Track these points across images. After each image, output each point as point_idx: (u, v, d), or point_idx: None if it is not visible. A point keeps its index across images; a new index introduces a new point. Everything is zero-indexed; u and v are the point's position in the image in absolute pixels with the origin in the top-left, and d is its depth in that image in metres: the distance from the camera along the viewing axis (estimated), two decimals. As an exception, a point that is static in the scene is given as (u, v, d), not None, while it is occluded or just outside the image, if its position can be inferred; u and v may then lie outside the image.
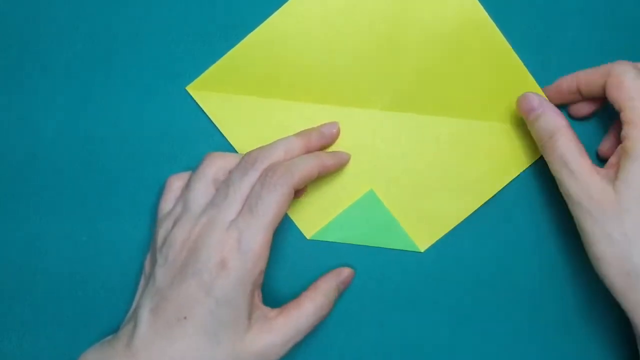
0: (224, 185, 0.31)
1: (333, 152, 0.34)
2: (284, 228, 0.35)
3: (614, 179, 0.29)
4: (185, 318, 0.29)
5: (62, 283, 0.35)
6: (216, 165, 0.32)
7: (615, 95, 0.30)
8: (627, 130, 0.29)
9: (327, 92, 0.35)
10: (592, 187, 0.29)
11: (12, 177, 0.35)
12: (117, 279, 0.35)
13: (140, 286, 0.32)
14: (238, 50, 0.34)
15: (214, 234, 0.29)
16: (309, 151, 0.33)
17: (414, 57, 0.35)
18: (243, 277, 0.29)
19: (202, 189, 0.31)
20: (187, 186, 0.32)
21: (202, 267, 0.29)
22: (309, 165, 0.31)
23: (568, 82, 0.34)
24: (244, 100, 0.35)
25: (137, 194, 0.35)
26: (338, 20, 0.34)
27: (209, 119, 0.35)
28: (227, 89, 0.35)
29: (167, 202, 0.33)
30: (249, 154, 0.32)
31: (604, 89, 0.32)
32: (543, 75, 0.35)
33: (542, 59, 0.35)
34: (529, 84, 0.35)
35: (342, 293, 0.34)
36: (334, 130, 0.35)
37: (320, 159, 0.32)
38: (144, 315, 0.29)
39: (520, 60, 0.35)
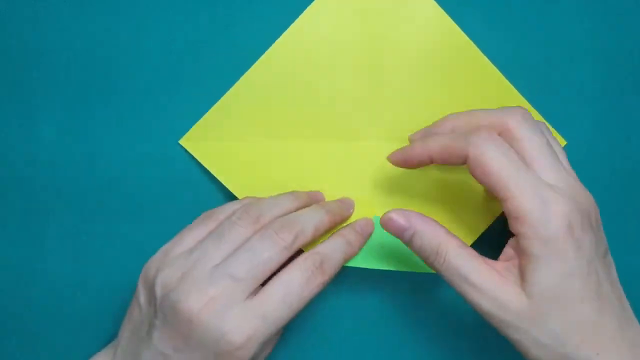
0: (244, 251, 0.28)
1: (358, 226, 0.32)
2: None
3: (518, 278, 0.26)
4: None
5: (62, 283, 0.35)
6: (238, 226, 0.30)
7: (489, 183, 0.26)
8: (518, 227, 0.26)
9: (320, 129, 0.35)
10: (503, 297, 0.26)
11: (13, 177, 0.35)
12: (117, 279, 0.35)
13: (128, 325, 0.30)
14: (227, 98, 0.34)
15: (225, 317, 0.27)
16: (332, 227, 0.32)
17: (402, 87, 0.34)
18: (257, 353, 0.28)
19: (220, 250, 0.29)
20: (208, 239, 0.29)
21: (206, 347, 0.27)
22: (345, 259, 0.31)
23: (418, 155, 0.30)
24: (238, 146, 0.35)
25: (137, 194, 0.35)
26: (323, 60, 0.34)
27: (204, 168, 0.35)
28: (220, 138, 0.35)
29: (179, 245, 0.30)
30: (281, 224, 0.29)
31: (464, 162, 0.27)
32: (537, 98, 0.35)
33: (533, 82, 0.35)
34: (521, 104, 0.34)
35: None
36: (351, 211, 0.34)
37: (351, 248, 0.31)
38: None
39: (509, 83, 0.34)
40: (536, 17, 0.35)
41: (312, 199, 0.33)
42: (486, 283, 0.26)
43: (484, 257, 0.27)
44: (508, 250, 0.28)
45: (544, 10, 0.35)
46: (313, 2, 0.34)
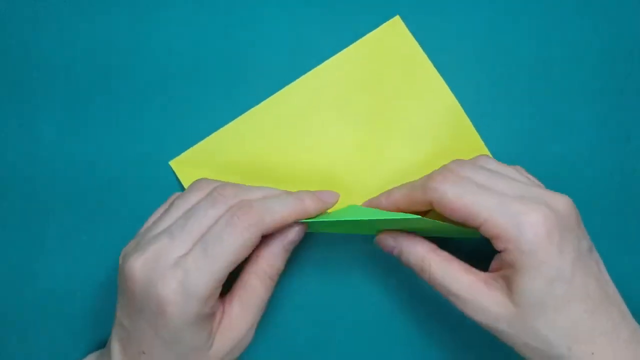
0: (187, 214, 0.28)
1: (318, 192, 0.31)
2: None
3: (505, 288, 0.27)
4: (144, 353, 0.28)
5: (62, 283, 0.35)
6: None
7: (459, 219, 0.27)
8: (500, 245, 0.27)
9: (308, 182, 0.35)
10: (490, 306, 0.27)
11: (13, 177, 0.35)
12: (117, 280, 0.35)
13: (118, 300, 0.30)
14: (224, 132, 0.35)
15: (156, 270, 0.27)
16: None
17: (393, 153, 0.35)
18: (188, 319, 0.27)
19: (170, 218, 0.29)
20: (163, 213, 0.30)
21: (145, 307, 0.27)
22: (286, 210, 0.28)
23: (385, 209, 0.31)
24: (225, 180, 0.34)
25: (137, 194, 0.35)
26: (324, 114, 0.35)
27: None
28: (210, 168, 0.35)
29: (145, 224, 0.31)
30: (223, 186, 0.29)
31: (431, 208, 0.29)
32: (537, 97, 0.35)
33: (533, 83, 0.35)
34: None
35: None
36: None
37: (301, 202, 0.29)
38: (115, 346, 0.29)
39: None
40: (536, 16, 0.35)
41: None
42: (472, 294, 0.27)
43: (471, 269, 0.28)
44: (495, 264, 0.28)
45: (543, 10, 0.35)
46: (330, 59, 0.35)
